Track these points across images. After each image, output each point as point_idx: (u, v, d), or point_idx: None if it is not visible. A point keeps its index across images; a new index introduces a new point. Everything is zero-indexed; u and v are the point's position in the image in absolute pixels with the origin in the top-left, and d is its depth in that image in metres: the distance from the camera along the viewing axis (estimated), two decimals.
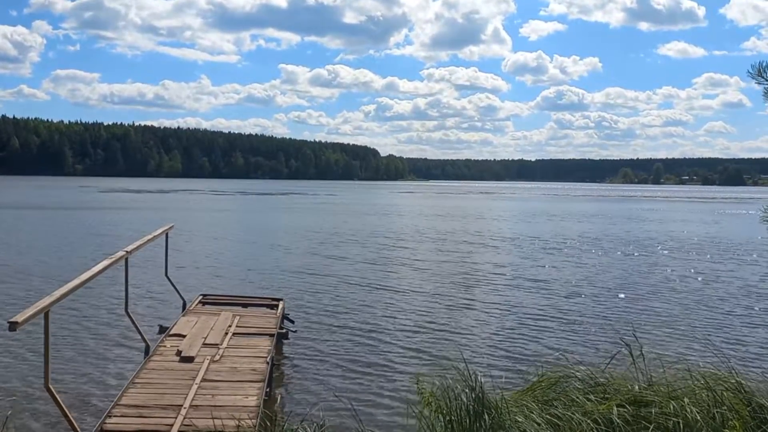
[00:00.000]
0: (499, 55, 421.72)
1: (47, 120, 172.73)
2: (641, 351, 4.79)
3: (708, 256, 22.03)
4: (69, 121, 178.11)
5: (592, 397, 4.38)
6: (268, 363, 6.87)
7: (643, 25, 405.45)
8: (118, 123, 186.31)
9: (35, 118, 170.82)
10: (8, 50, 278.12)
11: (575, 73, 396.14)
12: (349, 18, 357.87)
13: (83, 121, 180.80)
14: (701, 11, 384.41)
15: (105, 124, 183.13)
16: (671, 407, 4.05)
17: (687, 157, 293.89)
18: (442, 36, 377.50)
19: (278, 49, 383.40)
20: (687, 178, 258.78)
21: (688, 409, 4.00)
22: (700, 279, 16.82)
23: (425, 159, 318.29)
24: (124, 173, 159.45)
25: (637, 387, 4.46)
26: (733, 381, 4.32)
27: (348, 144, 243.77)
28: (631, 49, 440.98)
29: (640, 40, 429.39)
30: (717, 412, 4.01)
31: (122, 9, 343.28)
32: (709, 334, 10.54)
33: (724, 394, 4.16)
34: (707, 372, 4.49)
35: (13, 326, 4.25)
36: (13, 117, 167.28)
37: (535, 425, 4.03)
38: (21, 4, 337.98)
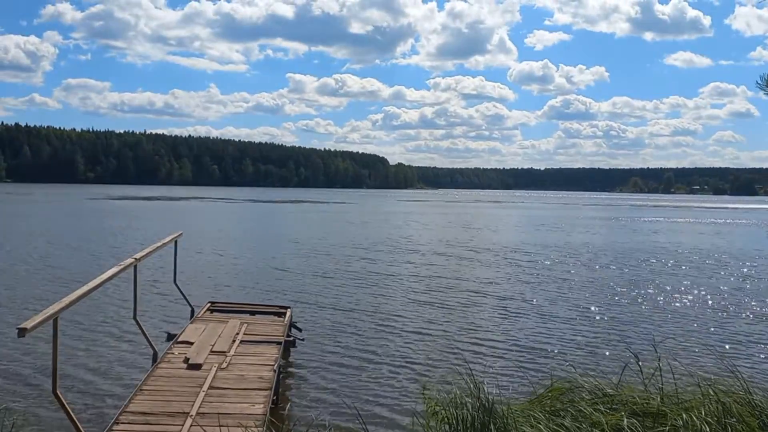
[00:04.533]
0: (505, 65, 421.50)
1: (59, 128, 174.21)
2: (649, 362, 4.76)
3: (720, 268, 21.85)
4: (81, 129, 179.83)
5: (600, 408, 4.35)
6: (275, 371, 6.86)
7: (648, 35, 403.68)
8: (130, 131, 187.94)
9: (47, 127, 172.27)
10: (21, 59, 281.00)
11: (582, 83, 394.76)
12: (356, 28, 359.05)
13: (95, 129, 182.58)
14: (707, 21, 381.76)
15: (117, 132, 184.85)
16: (681, 419, 4.02)
17: (697, 166, 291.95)
18: (448, 46, 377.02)
19: (286, 59, 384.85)
20: (698, 187, 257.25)
21: (697, 421, 3.97)
22: (708, 291, 16.67)
23: (434, 167, 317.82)
24: (135, 181, 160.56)
25: (645, 398, 4.42)
26: (742, 393, 4.28)
27: (357, 152, 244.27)
28: (637, 58, 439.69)
29: (646, 50, 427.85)
30: (726, 422, 3.97)
31: (132, 19, 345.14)
32: (718, 347, 10.45)
33: (733, 406, 4.12)
34: (716, 384, 4.45)
35: (22, 332, 4.27)
36: (26, 125, 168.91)
37: None
38: (31, 15, 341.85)
